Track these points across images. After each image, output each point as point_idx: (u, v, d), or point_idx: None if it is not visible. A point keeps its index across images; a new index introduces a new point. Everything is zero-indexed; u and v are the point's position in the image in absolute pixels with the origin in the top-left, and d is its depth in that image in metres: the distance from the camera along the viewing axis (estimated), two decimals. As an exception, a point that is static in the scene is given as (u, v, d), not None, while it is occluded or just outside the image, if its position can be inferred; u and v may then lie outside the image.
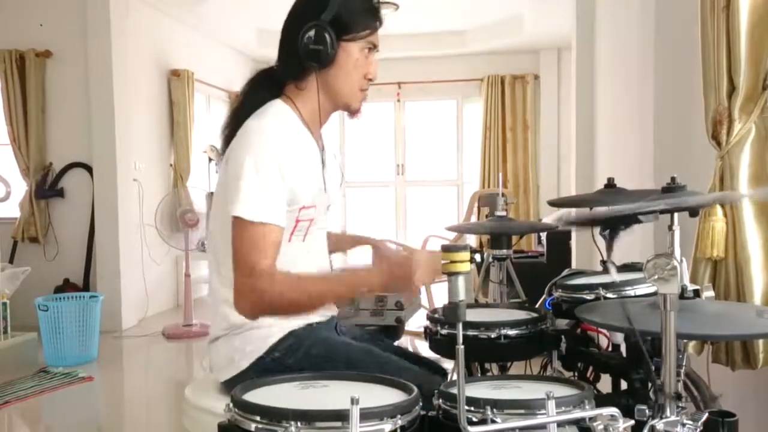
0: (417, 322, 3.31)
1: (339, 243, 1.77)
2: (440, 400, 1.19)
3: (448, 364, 1.75)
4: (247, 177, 1.37)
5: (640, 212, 1.21)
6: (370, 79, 1.54)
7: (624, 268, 1.83)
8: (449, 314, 1.07)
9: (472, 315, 1.76)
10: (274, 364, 1.45)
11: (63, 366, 4.06)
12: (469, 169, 7.97)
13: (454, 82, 7.75)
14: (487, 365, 1.95)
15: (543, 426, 1.08)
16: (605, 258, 1.74)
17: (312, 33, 1.44)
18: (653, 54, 2.55)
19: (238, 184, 1.37)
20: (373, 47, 1.53)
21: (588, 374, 1.80)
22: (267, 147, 1.40)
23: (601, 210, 1.73)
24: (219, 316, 1.50)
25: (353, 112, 1.58)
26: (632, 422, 1.07)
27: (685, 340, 1.37)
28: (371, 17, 1.51)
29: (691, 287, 1.29)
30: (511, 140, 7.62)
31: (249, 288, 1.34)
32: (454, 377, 1.44)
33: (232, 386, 1.37)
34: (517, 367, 1.95)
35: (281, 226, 1.40)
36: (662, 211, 1.29)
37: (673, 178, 1.46)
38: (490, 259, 2.59)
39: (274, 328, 1.47)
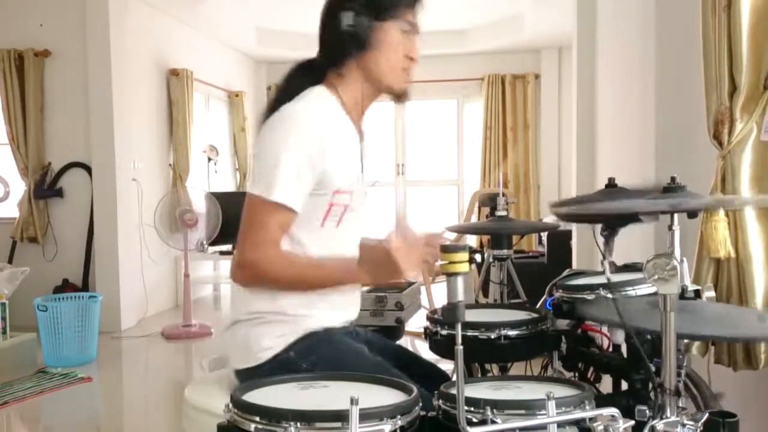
0: (417, 322, 3.30)
1: None
2: (440, 401, 1.18)
3: (448, 365, 1.74)
4: (273, 159, 1.38)
5: (641, 212, 1.20)
6: (412, 59, 1.53)
7: (624, 268, 1.83)
8: (448, 315, 1.07)
9: (473, 315, 1.75)
10: (288, 363, 1.44)
11: (62, 366, 4.06)
12: (469, 169, 7.97)
13: (454, 81, 7.74)
14: (487, 366, 1.94)
15: (543, 426, 1.07)
16: (605, 258, 1.74)
17: (348, 16, 1.44)
18: (654, 53, 2.55)
19: (262, 165, 1.40)
20: (413, 27, 1.51)
21: (588, 375, 1.79)
22: (299, 131, 1.40)
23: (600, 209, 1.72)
24: (241, 301, 1.49)
25: (399, 96, 1.55)
26: (632, 422, 1.07)
27: (686, 341, 1.37)
28: None
29: (691, 287, 1.29)
30: (512, 140, 7.63)
31: (247, 261, 1.39)
32: (454, 377, 1.43)
33: (246, 377, 1.40)
34: (517, 368, 1.94)
35: (295, 210, 1.40)
36: (661, 212, 1.29)
37: (673, 178, 1.46)
38: (491, 259, 2.58)
39: (294, 326, 1.46)
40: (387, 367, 1.49)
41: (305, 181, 1.40)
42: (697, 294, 1.34)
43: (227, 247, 6.04)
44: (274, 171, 1.37)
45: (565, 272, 1.98)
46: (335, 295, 1.50)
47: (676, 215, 1.31)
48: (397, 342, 2.12)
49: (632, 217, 1.23)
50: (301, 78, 1.53)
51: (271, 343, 1.45)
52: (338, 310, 1.54)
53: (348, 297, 1.57)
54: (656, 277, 1.09)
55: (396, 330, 2.61)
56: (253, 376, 1.39)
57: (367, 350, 1.54)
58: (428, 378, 1.52)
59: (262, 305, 1.46)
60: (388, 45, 1.48)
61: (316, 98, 1.48)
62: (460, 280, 1.06)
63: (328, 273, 1.44)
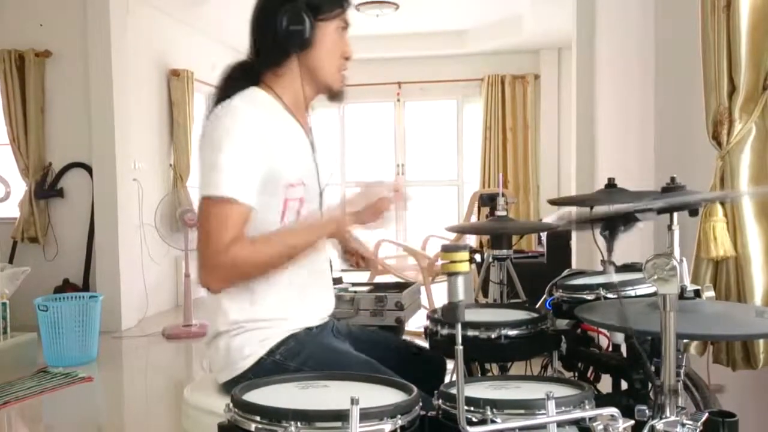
0: (417, 322, 3.31)
1: None
2: (440, 401, 1.18)
3: (448, 365, 1.74)
4: (216, 156, 1.36)
5: (637, 210, 1.21)
6: (347, 58, 1.55)
7: (624, 268, 1.83)
8: (448, 315, 1.07)
9: (472, 315, 1.75)
10: (273, 367, 1.44)
11: (63, 366, 4.07)
12: (469, 169, 7.98)
13: (454, 82, 7.75)
14: (487, 365, 1.94)
15: (543, 426, 1.08)
16: (605, 258, 1.74)
17: (290, 15, 1.46)
18: (654, 54, 2.55)
19: (207, 165, 1.38)
20: (347, 26, 1.55)
21: (588, 374, 1.79)
22: (238, 127, 1.39)
23: (600, 209, 1.72)
24: (218, 313, 1.49)
25: (335, 95, 1.57)
26: (632, 422, 1.07)
27: (685, 341, 1.37)
28: None
29: (691, 287, 1.29)
30: (512, 140, 7.63)
31: (209, 262, 1.36)
32: (454, 377, 1.44)
33: (231, 388, 1.37)
34: (517, 368, 1.95)
35: (249, 204, 1.38)
36: (661, 211, 1.29)
37: (672, 178, 1.46)
38: (490, 259, 2.58)
39: (273, 330, 1.47)
40: (376, 366, 1.49)
41: (251, 175, 1.39)
42: (697, 294, 1.34)
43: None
44: (218, 169, 1.36)
45: (565, 272, 1.98)
46: (309, 295, 1.52)
47: (675, 214, 1.31)
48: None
49: (631, 218, 1.23)
50: (236, 80, 1.53)
51: (252, 350, 1.45)
52: (313, 308, 1.55)
53: (321, 294, 1.59)
54: (656, 277, 1.09)
55: (396, 330, 2.61)
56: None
57: (352, 349, 1.54)
58: (422, 364, 1.55)
59: (238, 315, 1.46)
60: (328, 44, 1.51)
61: (253, 98, 1.49)
62: (460, 279, 1.07)
63: (298, 235, 1.44)
